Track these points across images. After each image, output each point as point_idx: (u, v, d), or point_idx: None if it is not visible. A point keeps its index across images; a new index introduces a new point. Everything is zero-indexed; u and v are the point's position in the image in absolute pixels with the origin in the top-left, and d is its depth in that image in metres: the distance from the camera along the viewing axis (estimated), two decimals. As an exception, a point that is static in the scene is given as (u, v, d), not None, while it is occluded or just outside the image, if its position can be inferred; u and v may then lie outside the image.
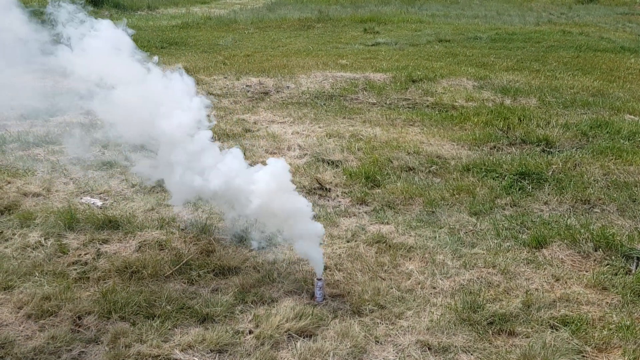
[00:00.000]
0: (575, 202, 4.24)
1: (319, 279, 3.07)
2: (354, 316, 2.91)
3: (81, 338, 2.71)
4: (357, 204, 4.23)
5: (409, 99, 6.98)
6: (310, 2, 20.45)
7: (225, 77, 8.13)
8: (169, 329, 2.78)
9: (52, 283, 3.12)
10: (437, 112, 6.50)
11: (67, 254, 3.44)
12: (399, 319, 2.89)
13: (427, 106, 6.75)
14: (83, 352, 2.64)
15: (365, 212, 4.10)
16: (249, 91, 7.41)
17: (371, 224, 3.89)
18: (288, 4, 20.09)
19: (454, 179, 4.63)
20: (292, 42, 12.00)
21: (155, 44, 11.25)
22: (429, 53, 10.25)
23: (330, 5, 18.77)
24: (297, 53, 10.38)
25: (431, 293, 3.10)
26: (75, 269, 3.28)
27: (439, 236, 3.70)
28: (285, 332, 2.76)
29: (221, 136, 5.56)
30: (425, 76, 7.94)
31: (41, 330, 2.76)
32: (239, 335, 2.76)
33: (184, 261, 3.37)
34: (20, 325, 2.81)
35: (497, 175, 4.67)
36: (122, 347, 2.65)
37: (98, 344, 2.68)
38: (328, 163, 4.92)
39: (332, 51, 10.62)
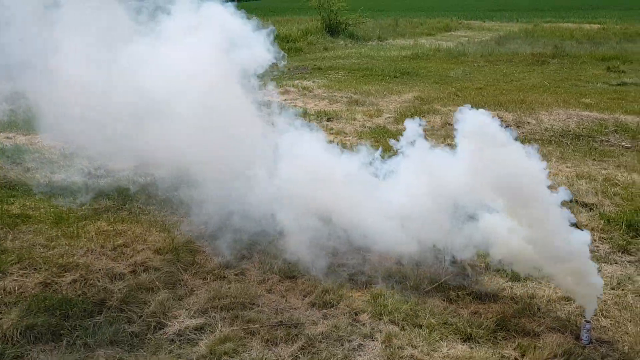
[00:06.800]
0: None
1: (588, 322, 2.99)
2: (627, 367, 2.79)
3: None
4: (619, 251, 4.00)
5: (672, 146, 6.35)
6: (542, 36, 19.63)
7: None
8: (436, 341, 2.97)
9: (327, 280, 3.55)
10: None
11: (337, 256, 3.87)
12: (683, 380, 2.68)
13: (696, 157, 6.06)
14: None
15: (629, 262, 3.86)
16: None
17: (638, 275, 3.65)
18: (517, 37, 19.54)
19: None
20: (525, 77, 11.68)
21: (389, 73, 11.90)
22: (691, 97, 9.15)
23: (564, 41, 17.80)
24: (533, 89, 10.09)
25: None
26: (346, 271, 3.68)
27: None
28: (554, 367, 2.76)
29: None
30: (691, 123, 7.13)
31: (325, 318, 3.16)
32: (505, 359, 2.83)
33: (442, 280, 3.55)
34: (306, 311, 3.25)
35: None
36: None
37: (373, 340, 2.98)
38: (581, 205, 4.73)
39: (572, 89, 10.09)
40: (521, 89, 10.08)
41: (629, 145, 6.43)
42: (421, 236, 3.77)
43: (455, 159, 3.51)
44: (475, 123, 3.25)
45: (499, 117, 5.54)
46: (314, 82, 10.80)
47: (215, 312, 3.21)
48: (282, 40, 17.00)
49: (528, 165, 3.16)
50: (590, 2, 39.04)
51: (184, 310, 3.22)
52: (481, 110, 3.30)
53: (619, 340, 2.98)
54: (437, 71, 12.55)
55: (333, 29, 19.76)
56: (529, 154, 3.20)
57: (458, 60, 14.54)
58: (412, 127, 3.89)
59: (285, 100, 8.97)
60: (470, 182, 3.40)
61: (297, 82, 10.70)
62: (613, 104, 8.37)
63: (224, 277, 3.59)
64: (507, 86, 10.51)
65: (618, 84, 10.57)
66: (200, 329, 3.08)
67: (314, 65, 12.96)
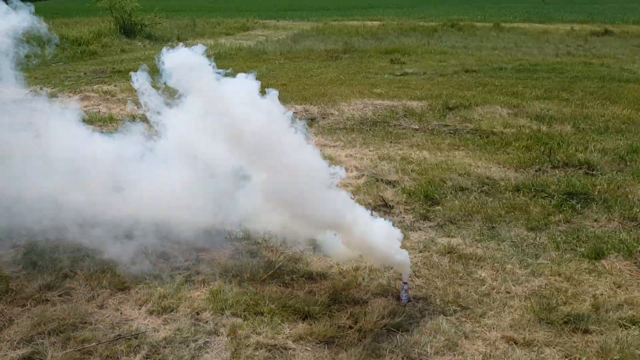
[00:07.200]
0: (624, 220, 4.55)
1: (405, 283, 3.40)
2: (440, 315, 3.24)
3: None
4: (421, 219, 4.58)
5: (450, 125, 7.37)
6: (332, 33, 21.07)
7: (270, 105, 8.55)
8: (278, 324, 3.12)
9: (165, 284, 3.48)
10: (478, 137, 6.87)
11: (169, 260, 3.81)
12: (482, 318, 3.21)
13: (468, 132, 7.13)
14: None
15: (430, 227, 4.44)
16: (296, 118, 7.82)
17: (439, 237, 4.23)
18: (310, 35, 20.71)
19: (506, 198, 4.97)
20: (323, 72, 12.48)
21: (194, 73, 11.77)
22: (458, 82, 10.68)
23: (352, 37, 19.35)
24: (332, 82, 10.85)
25: (506, 297, 3.43)
26: (181, 273, 3.64)
27: (504, 248, 4.04)
28: (384, 327, 3.09)
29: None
30: (460, 104, 8.34)
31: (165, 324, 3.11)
32: (342, 329, 3.09)
33: (275, 267, 3.72)
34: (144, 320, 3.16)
35: (546, 195, 5.01)
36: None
37: (218, 335, 3.02)
38: (386, 183, 5.29)
39: (364, 81, 11.07)
40: (321, 83, 10.77)
41: (417, 127, 7.31)
42: (198, 218, 3.89)
43: (189, 116, 3.42)
44: (177, 62, 3.09)
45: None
46: (115, 85, 10.23)
47: (43, 338, 2.96)
48: (73, 44, 15.77)
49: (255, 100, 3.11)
50: (370, 1, 42.88)
51: (5, 342, 2.92)
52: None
53: (431, 295, 3.44)
54: (242, 69, 12.40)
55: (128, 30, 18.82)
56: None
57: (260, 58, 14.94)
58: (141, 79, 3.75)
59: (86, 106, 8.39)
60: (209, 142, 3.36)
61: (96, 86, 10.06)
62: (400, 92, 9.41)
63: (47, 300, 3.31)
64: (308, 81, 11.13)
65: (401, 74, 11.86)
66: (27, 359, 2.81)
67: (113, 68, 12.27)
